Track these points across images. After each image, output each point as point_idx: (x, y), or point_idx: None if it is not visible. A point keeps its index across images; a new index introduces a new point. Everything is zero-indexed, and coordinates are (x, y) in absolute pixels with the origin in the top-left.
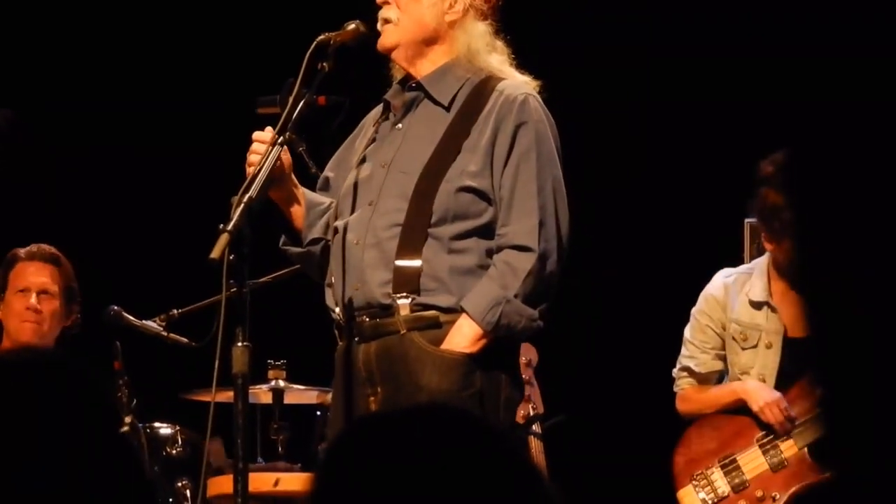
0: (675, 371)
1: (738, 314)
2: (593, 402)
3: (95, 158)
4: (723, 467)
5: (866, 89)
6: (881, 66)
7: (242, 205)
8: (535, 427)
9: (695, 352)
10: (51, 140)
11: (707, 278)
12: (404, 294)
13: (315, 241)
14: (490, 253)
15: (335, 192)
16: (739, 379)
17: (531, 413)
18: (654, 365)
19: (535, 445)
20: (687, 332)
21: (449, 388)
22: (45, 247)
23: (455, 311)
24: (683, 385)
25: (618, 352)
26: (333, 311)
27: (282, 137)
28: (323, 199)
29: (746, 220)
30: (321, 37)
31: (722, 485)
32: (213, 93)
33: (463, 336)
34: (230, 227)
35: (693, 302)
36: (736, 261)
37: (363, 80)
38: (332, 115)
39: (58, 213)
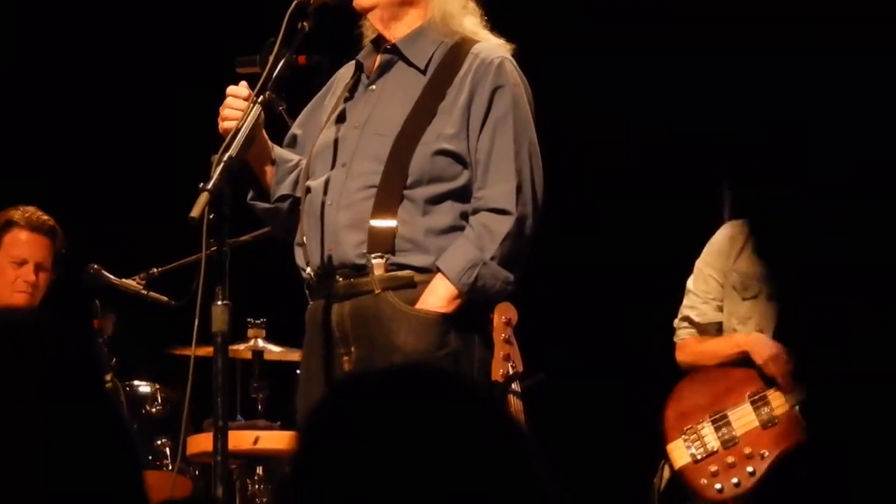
0: (675, 321)
1: (740, 263)
2: (573, 361)
3: (74, 116)
4: (713, 422)
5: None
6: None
7: (223, 164)
8: (515, 386)
9: (696, 301)
10: (28, 96)
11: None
12: (379, 254)
13: (283, 198)
14: (465, 216)
15: (303, 149)
16: (736, 329)
17: (510, 372)
18: (634, 322)
19: (515, 404)
20: (690, 282)
21: (424, 348)
22: (44, 217)
23: (430, 271)
24: (683, 335)
25: (598, 309)
26: (304, 270)
27: (262, 97)
28: (291, 156)
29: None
30: None
31: (712, 440)
32: (193, 51)
33: (438, 296)
34: (210, 185)
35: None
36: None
37: (342, 38)
38: (312, 75)
39: (37, 171)
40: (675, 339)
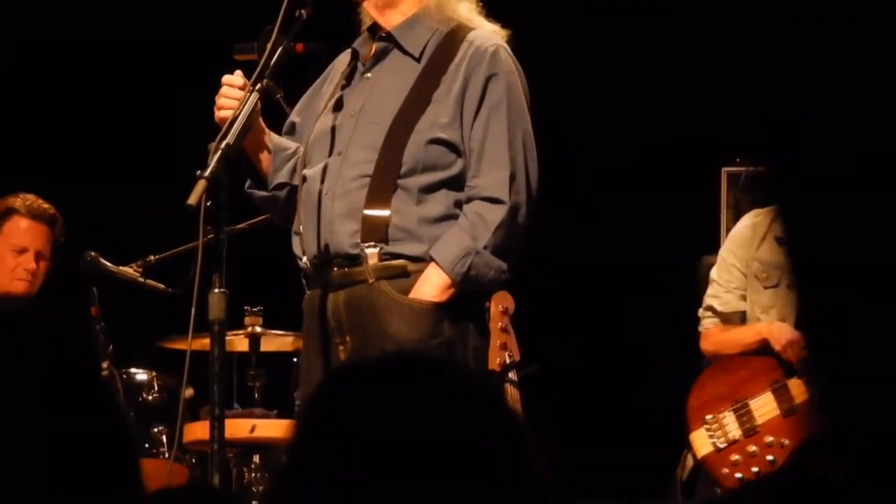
0: (700, 311)
1: (762, 252)
2: (570, 351)
3: (73, 105)
4: (735, 411)
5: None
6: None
7: (220, 151)
8: (512, 375)
9: (719, 291)
10: (26, 85)
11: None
12: (372, 243)
13: (280, 186)
14: (459, 204)
15: (301, 136)
16: (759, 319)
17: (507, 361)
18: (632, 314)
19: (512, 393)
20: (713, 272)
21: (418, 337)
22: (45, 205)
23: (423, 260)
24: (707, 324)
25: (597, 300)
26: (300, 259)
27: (260, 84)
28: (289, 144)
29: (724, 169)
30: None
31: (733, 429)
32: (191, 38)
33: (431, 285)
34: (207, 173)
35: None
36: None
37: (340, 25)
38: (310, 63)
39: (34, 159)
40: (700, 328)
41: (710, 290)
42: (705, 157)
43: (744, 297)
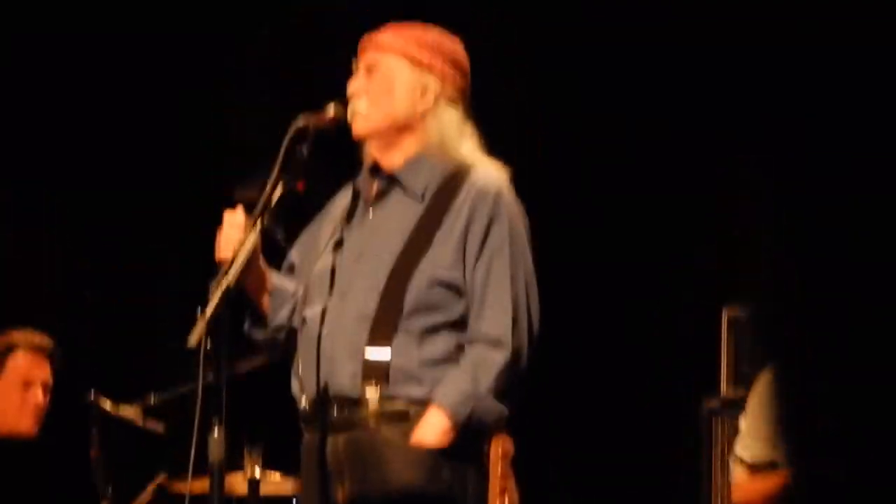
0: (730, 460)
1: None
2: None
3: (75, 244)
4: None
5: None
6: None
7: (221, 291)
8: None
9: (747, 440)
10: (31, 225)
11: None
12: (373, 385)
13: (280, 327)
14: (461, 347)
15: (300, 275)
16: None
17: None
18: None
19: None
20: (741, 421)
21: (418, 483)
22: (46, 339)
23: (424, 402)
24: (736, 474)
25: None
26: (300, 401)
27: (261, 224)
28: (288, 284)
29: (725, 310)
30: (300, 121)
31: None
32: (192, 177)
33: (432, 429)
34: (208, 313)
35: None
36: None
37: (341, 161)
38: (311, 200)
39: (39, 298)
40: (730, 478)
41: (738, 440)
42: (706, 298)
43: (773, 446)
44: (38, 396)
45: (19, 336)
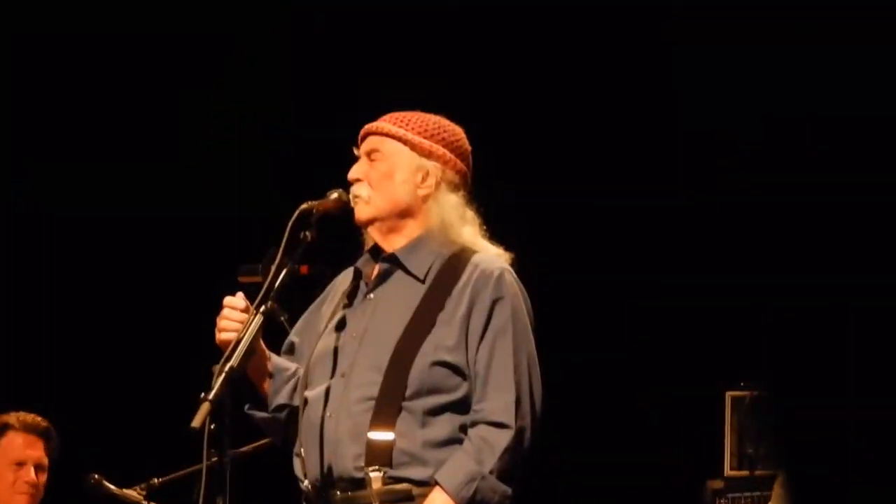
0: None
1: None
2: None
3: (76, 326)
4: None
5: None
6: None
7: (224, 374)
8: None
9: None
10: (32, 312)
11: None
12: (376, 467)
13: (280, 408)
14: (464, 428)
15: (300, 357)
16: None
17: None
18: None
19: None
20: None
21: None
22: (39, 419)
23: (428, 484)
24: None
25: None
26: (302, 482)
27: (264, 307)
28: (289, 365)
29: (728, 393)
30: (304, 205)
31: None
32: (194, 261)
33: None
34: (211, 395)
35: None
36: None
37: (344, 245)
38: (315, 283)
39: (39, 381)
40: None
41: None
42: (709, 383)
43: None
44: (31, 475)
45: (13, 418)
